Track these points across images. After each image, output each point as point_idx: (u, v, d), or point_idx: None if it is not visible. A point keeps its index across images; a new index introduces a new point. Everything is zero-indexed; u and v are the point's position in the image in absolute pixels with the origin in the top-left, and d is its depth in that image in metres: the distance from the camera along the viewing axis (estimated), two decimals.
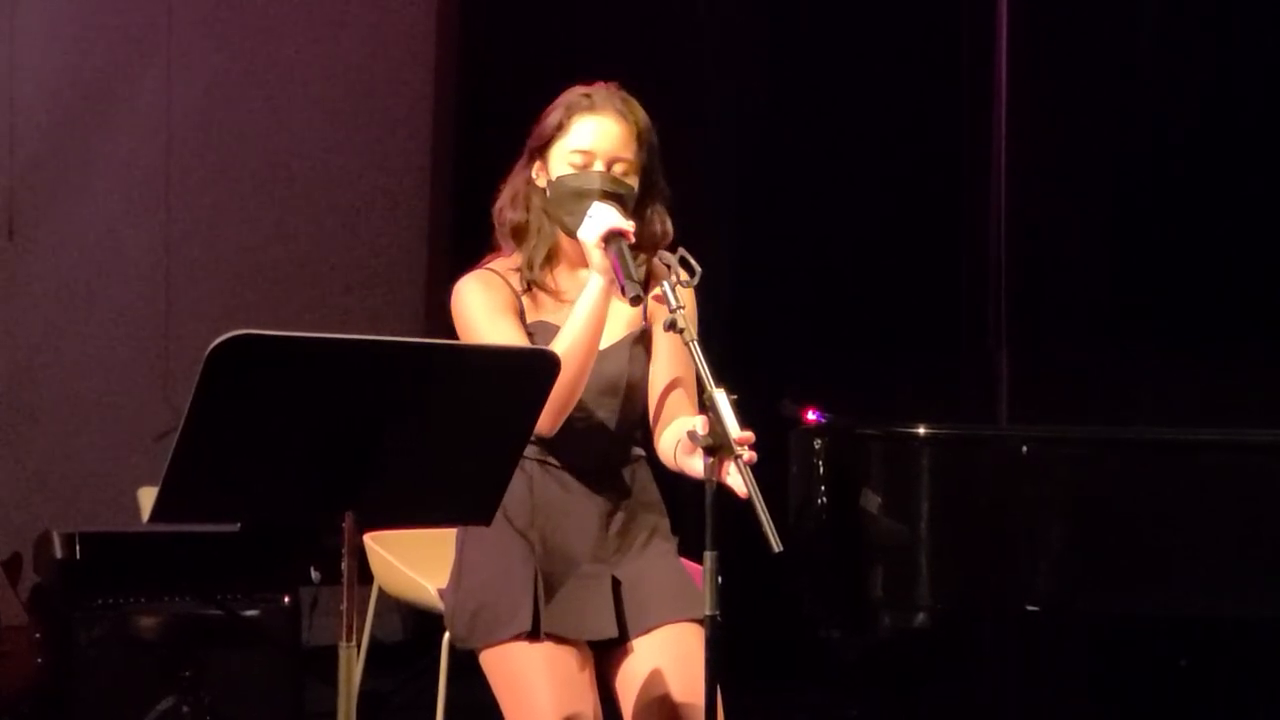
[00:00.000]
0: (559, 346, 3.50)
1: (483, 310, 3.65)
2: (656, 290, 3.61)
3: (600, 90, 3.73)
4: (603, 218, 3.56)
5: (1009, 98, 6.57)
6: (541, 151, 3.71)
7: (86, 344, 6.47)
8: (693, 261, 3.56)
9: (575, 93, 3.72)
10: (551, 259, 3.72)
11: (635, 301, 3.50)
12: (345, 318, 6.64)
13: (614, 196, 3.63)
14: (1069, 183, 6.55)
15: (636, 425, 3.74)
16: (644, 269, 3.66)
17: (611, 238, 3.55)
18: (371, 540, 4.55)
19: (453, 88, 6.85)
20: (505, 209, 3.74)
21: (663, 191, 3.75)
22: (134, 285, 6.55)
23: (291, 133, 6.76)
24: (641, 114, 3.73)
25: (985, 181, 6.62)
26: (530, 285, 3.70)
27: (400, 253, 6.85)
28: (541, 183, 3.71)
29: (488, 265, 3.74)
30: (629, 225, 3.57)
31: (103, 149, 6.49)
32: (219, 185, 6.67)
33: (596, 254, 3.56)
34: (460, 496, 3.24)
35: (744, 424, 3.35)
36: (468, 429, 3.14)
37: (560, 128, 3.68)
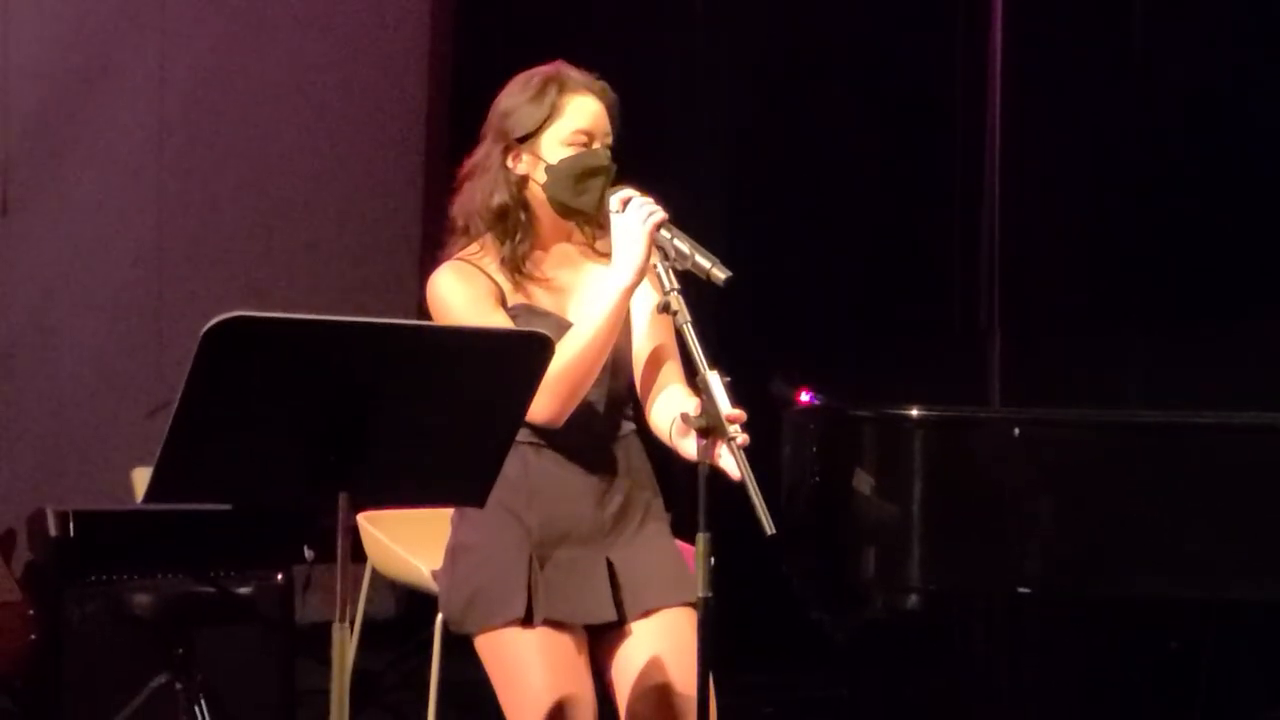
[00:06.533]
0: (579, 337, 3.52)
1: (465, 300, 3.64)
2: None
3: (568, 70, 3.72)
4: (646, 207, 3.53)
5: (1003, 78, 6.58)
6: (526, 140, 3.68)
7: (80, 321, 6.47)
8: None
9: (545, 76, 3.70)
10: (529, 244, 3.70)
11: (664, 308, 3.46)
12: (339, 299, 6.64)
13: (616, 174, 3.64)
14: (1061, 165, 6.55)
15: (625, 400, 3.74)
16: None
17: (663, 227, 3.53)
18: (365, 520, 4.57)
19: (449, 68, 6.84)
20: (487, 198, 3.69)
21: None
22: (128, 262, 6.55)
23: (286, 111, 6.75)
24: (612, 91, 3.74)
25: (979, 162, 6.62)
26: (516, 274, 3.68)
27: (395, 233, 6.85)
28: (524, 170, 3.69)
29: (460, 256, 3.72)
30: (664, 214, 3.56)
31: (96, 127, 6.49)
32: (212, 163, 6.66)
33: (639, 248, 3.53)
34: (453, 478, 3.26)
35: (737, 406, 3.36)
36: (460, 411, 3.15)
37: (553, 112, 3.67)
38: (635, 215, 3.55)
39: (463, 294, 3.65)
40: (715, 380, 3.35)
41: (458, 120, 6.69)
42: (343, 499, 3.12)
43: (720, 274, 3.47)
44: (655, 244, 3.53)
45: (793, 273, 6.56)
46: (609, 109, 3.71)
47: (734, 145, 6.62)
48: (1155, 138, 6.48)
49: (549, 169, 3.67)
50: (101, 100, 6.50)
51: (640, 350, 3.72)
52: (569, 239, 3.75)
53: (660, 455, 3.74)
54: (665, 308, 3.45)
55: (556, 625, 3.61)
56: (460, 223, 3.74)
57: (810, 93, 6.63)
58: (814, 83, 6.64)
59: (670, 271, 3.49)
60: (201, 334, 2.92)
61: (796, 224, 6.59)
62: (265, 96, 6.73)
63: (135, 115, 6.55)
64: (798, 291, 6.55)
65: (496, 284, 3.69)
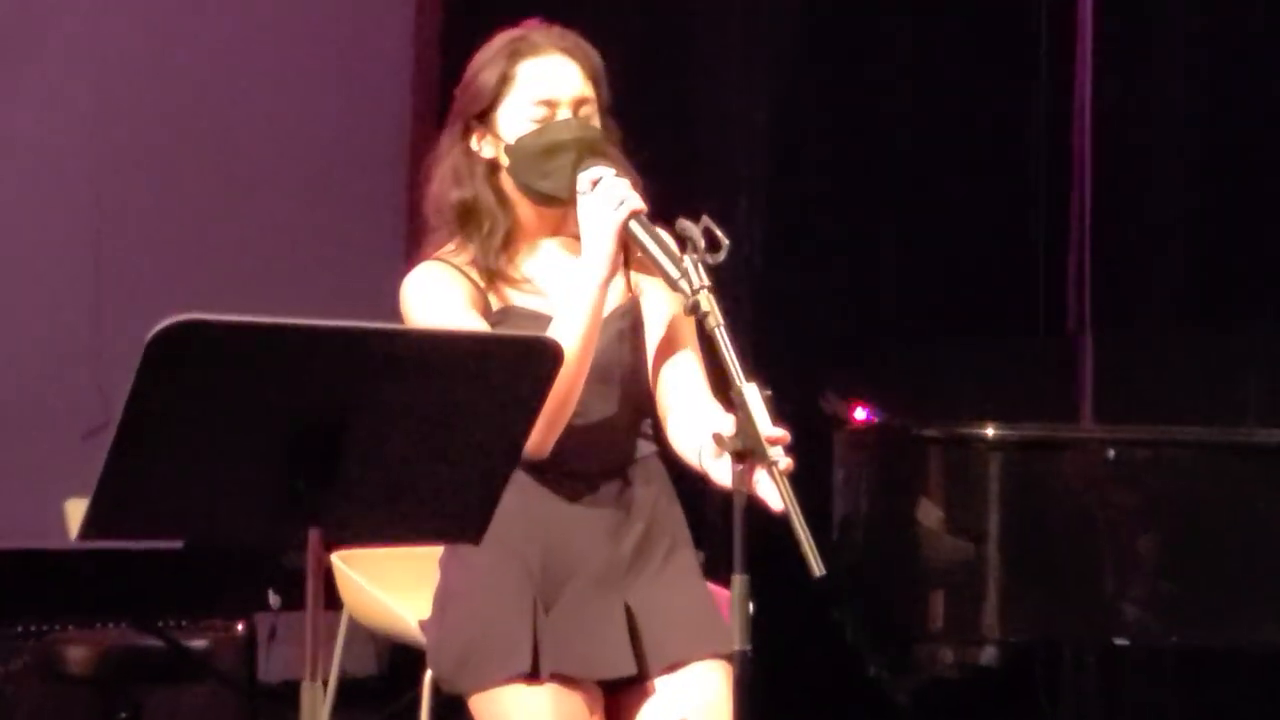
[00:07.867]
0: None
1: (437, 306, 3.65)
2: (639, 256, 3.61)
3: (536, 29, 3.72)
4: (616, 192, 3.54)
5: (1095, 48, 6.59)
6: (484, 116, 3.69)
7: (6, 334, 6.50)
8: (718, 233, 3.55)
9: (505, 39, 3.71)
10: (505, 241, 3.70)
11: (693, 310, 3.44)
12: (304, 304, 6.62)
13: (594, 148, 3.62)
14: (1161, 141, 6.55)
15: (641, 416, 3.75)
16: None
17: (635, 218, 3.53)
18: (340, 561, 4.58)
19: (434, 42, 6.87)
20: (448, 190, 3.71)
21: (615, 134, 3.74)
22: (60, 266, 6.57)
23: (245, 90, 6.77)
24: (588, 47, 3.73)
25: (1066, 136, 6.63)
26: (489, 273, 3.69)
27: (371, 230, 6.85)
28: (489, 153, 3.70)
29: (436, 255, 3.73)
30: (641, 203, 3.56)
31: (22, 116, 6.51)
32: (158, 151, 6.68)
33: (606, 240, 3.55)
34: (445, 511, 3.25)
35: (779, 424, 3.36)
36: (453, 431, 3.15)
37: (505, 81, 3.67)
38: (605, 199, 3.55)
39: (433, 299, 3.66)
40: (753, 394, 3.35)
41: (446, 101, 6.71)
42: (313, 536, 3.13)
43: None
44: (628, 234, 3.53)
45: (848, 268, 6.55)
46: (586, 69, 3.69)
47: (775, 114, 6.62)
48: (1268, 113, 6.48)
49: (508, 149, 3.67)
50: (26, 81, 6.51)
51: (660, 358, 3.72)
52: (557, 231, 3.75)
53: (687, 481, 3.74)
54: (694, 309, 3.44)
55: (566, 681, 3.61)
56: (431, 219, 3.74)
57: (863, 53, 6.63)
58: (876, 61, 6.64)
59: (699, 265, 3.48)
60: (146, 342, 2.93)
61: (852, 213, 6.58)
62: (221, 72, 6.74)
63: (66, 98, 6.57)
64: (853, 290, 6.54)
65: (477, 285, 3.69)
